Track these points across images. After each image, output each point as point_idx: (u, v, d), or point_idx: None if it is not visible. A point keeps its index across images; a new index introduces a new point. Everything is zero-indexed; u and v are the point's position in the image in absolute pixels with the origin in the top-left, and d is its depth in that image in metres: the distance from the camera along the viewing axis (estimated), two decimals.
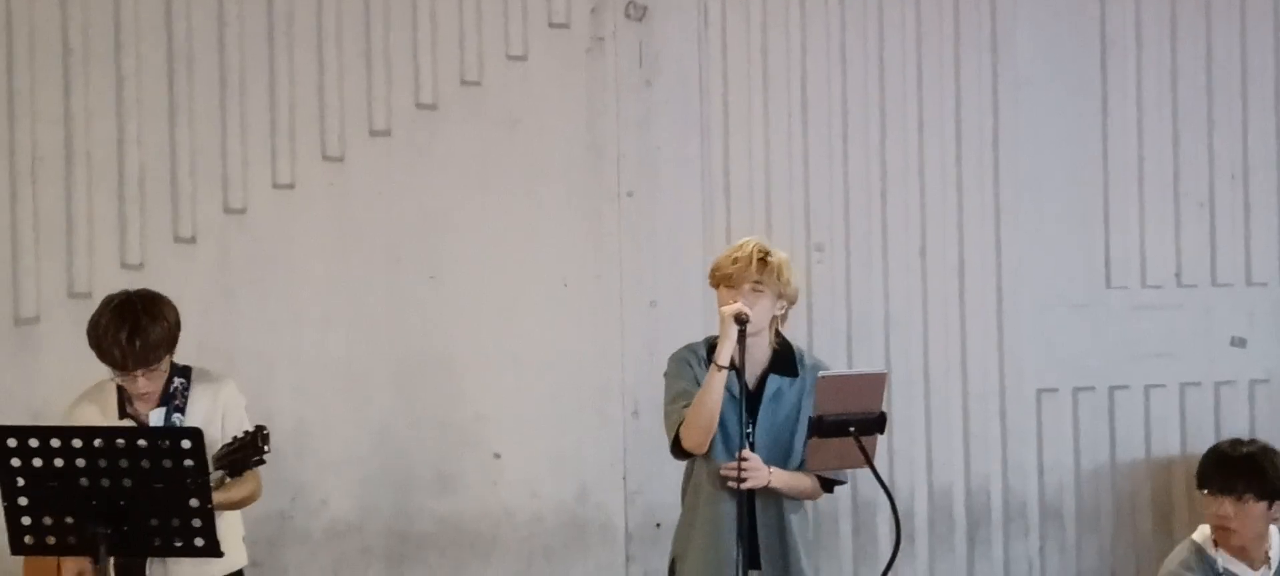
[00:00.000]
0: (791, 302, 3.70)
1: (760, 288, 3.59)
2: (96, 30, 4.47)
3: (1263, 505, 3.78)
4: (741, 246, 3.65)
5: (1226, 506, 3.76)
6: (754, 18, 4.95)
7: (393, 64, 4.67)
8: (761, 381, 3.64)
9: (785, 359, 3.69)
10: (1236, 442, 3.95)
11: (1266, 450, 3.90)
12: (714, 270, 3.68)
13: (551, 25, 4.78)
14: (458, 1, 4.72)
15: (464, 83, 4.73)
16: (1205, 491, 3.82)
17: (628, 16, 4.84)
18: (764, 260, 3.61)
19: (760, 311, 3.59)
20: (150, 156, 4.51)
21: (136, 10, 4.49)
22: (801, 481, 3.66)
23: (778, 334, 3.70)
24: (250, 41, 4.57)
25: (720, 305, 3.62)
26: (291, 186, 4.60)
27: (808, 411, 3.63)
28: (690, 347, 3.73)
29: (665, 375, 3.75)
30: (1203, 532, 3.86)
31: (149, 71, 4.51)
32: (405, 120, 4.68)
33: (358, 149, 4.65)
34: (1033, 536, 5.18)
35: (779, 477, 3.61)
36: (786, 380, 3.67)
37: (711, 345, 3.64)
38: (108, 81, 4.48)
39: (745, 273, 3.60)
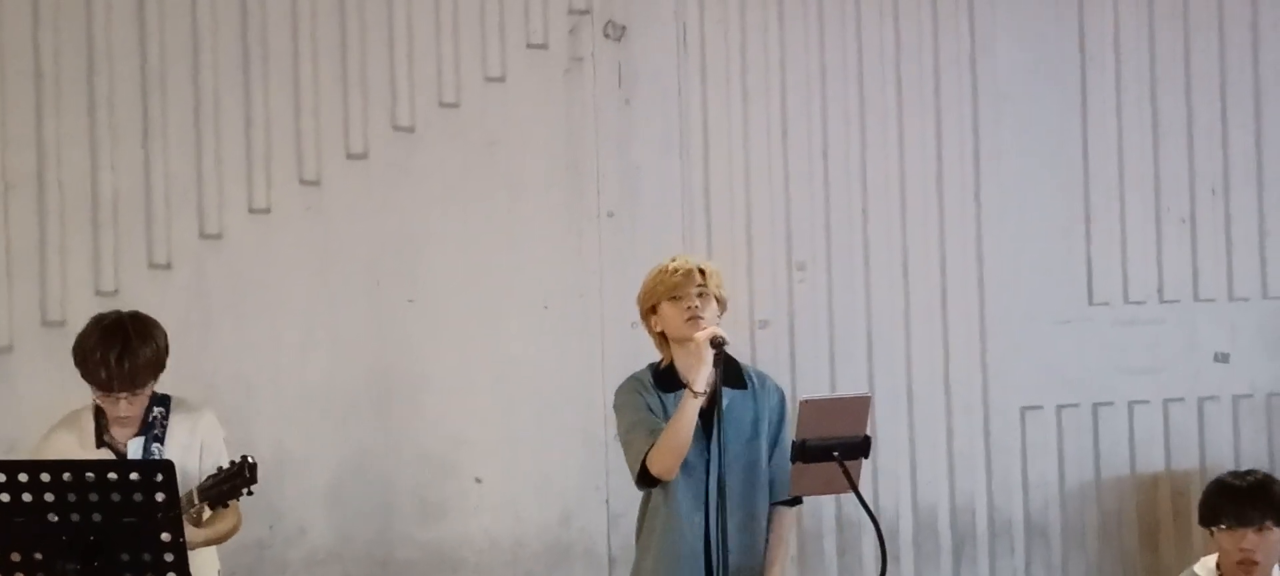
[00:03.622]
0: (724, 308, 3.71)
1: (705, 291, 3.60)
2: (69, 54, 4.43)
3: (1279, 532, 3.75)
4: (671, 263, 3.66)
5: (1249, 538, 3.71)
6: (733, 36, 4.93)
7: (369, 86, 4.64)
8: (712, 397, 3.58)
9: (733, 371, 3.66)
10: (1237, 475, 3.92)
11: (1271, 477, 3.88)
12: (650, 293, 3.66)
13: (529, 46, 4.76)
14: (435, 23, 4.69)
15: (442, 104, 4.70)
16: (1220, 527, 3.76)
17: (606, 36, 4.81)
18: (702, 267, 3.63)
19: (709, 317, 3.59)
20: (124, 182, 4.46)
21: (109, 34, 4.45)
22: (787, 545, 3.70)
23: None
24: (225, 65, 4.53)
25: (666, 326, 3.61)
26: (268, 210, 4.56)
27: (764, 426, 3.65)
28: (635, 377, 3.71)
29: (615, 408, 3.73)
30: (1207, 565, 3.81)
31: (122, 96, 4.46)
32: (383, 143, 4.65)
33: (335, 172, 4.61)
34: (1018, 554, 5.16)
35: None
36: (738, 392, 3.65)
37: (656, 372, 3.64)
38: (80, 106, 4.44)
39: (688, 281, 3.60)
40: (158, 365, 3.53)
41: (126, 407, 3.50)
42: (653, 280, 3.67)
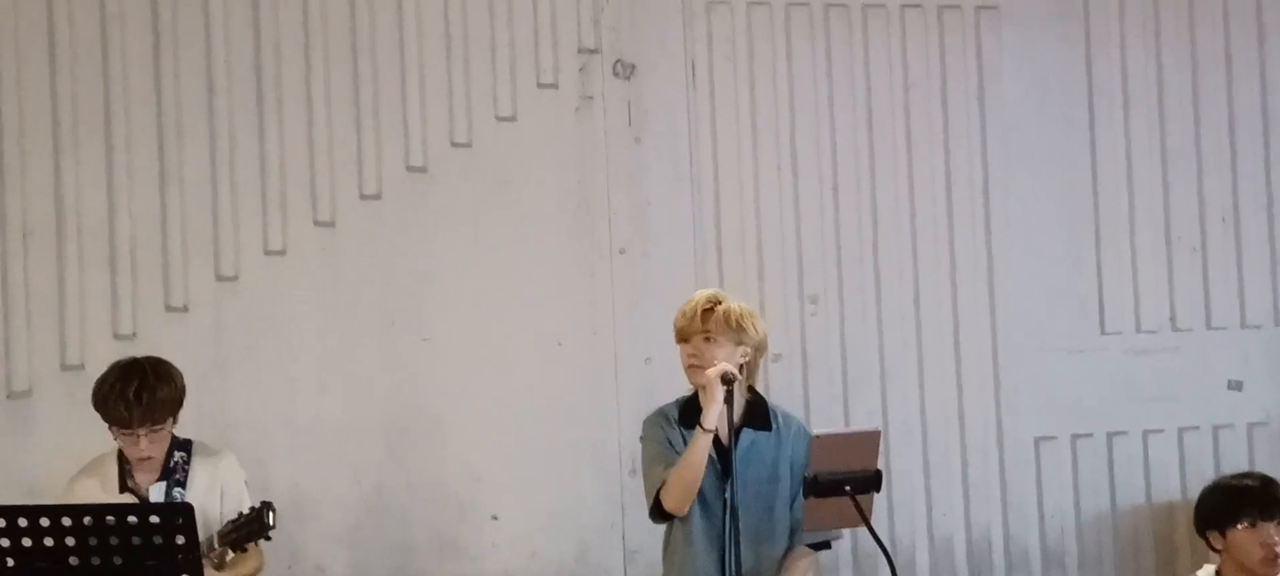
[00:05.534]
0: (757, 351, 3.65)
1: (710, 337, 3.56)
2: (86, 101, 4.48)
3: None
4: (688, 303, 3.65)
5: (1273, 533, 3.71)
6: (742, 72, 4.97)
7: (382, 127, 4.68)
8: (734, 435, 3.60)
9: (758, 412, 3.67)
10: (1237, 476, 3.94)
11: (1263, 475, 3.91)
12: (674, 325, 3.67)
13: (540, 85, 4.80)
14: (446, 64, 4.74)
15: (454, 144, 4.74)
16: (1240, 526, 3.74)
17: (616, 75, 4.86)
18: (710, 310, 3.59)
19: (720, 359, 3.54)
20: (141, 226, 4.51)
21: (125, 80, 4.51)
22: None
23: (749, 387, 3.68)
24: (239, 109, 4.58)
25: (683, 361, 3.60)
26: (283, 252, 4.61)
27: (785, 469, 3.63)
28: (661, 411, 3.72)
29: (640, 439, 3.75)
30: (1207, 572, 3.82)
31: (139, 141, 4.52)
32: (396, 183, 4.69)
33: (349, 213, 4.65)
34: None
35: None
36: (761, 434, 3.65)
37: (682, 405, 3.64)
38: (98, 152, 4.49)
39: (691, 325, 3.58)
40: (175, 402, 3.60)
41: (147, 446, 3.55)
42: (675, 317, 3.67)
